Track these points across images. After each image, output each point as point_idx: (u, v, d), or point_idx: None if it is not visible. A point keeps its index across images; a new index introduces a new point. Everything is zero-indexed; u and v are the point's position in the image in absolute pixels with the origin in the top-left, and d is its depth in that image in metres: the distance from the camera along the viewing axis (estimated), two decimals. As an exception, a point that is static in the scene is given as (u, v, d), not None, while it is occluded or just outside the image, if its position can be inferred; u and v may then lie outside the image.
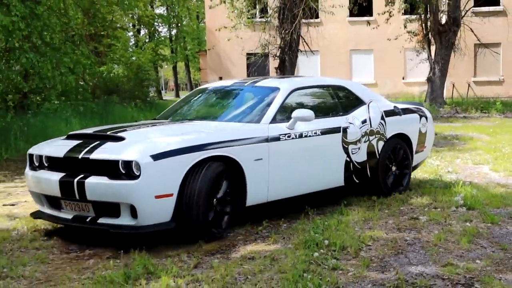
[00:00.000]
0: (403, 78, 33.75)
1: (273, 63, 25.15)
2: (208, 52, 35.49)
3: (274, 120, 6.63)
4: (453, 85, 30.50)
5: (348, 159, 7.25)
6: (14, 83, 14.79)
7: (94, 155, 5.68)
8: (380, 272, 5.03)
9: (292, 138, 6.63)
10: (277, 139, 6.47)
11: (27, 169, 6.44)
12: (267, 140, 6.38)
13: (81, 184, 5.62)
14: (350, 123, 7.33)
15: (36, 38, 14.02)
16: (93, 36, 27.13)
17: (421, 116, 8.44)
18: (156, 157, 5.49)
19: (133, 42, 46.79)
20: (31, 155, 6.42)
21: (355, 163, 7.35)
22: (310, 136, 6.82)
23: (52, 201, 6.13)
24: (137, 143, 5.83)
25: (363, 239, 5.90)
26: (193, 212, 5.63)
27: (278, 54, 22.03)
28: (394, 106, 8.18)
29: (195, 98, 8.14)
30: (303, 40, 22.26)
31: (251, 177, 6.19)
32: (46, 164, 6.23)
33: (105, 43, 29.46)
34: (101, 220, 5.68)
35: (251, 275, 4.97)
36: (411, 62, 31.77)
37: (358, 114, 7.54)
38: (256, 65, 30.28)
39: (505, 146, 12.94)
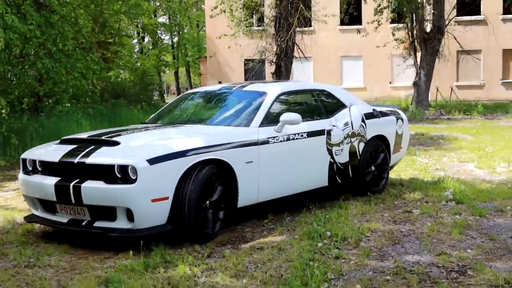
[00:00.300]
0: (390, 83, 33.79)
1: (270, 69, 25.18)
2: (208, 58, 35.51)
3: (263, 124, 6.42)
4: (437, 89, 30.58)
5: (332, 160, 7.10)
6: (30, 87, 14.81)
7: (90, 160, 5.45)
8: (379, 260, 5.11)
9: (281, 141, 6.46)
10: (266, 142, 6.30)
11: (21, 174, 6.17)
12: (257, 143, 6.20)
13: (77, 188, 5.38)
14: (334, 125, 7.18)
15: (51, 45, 14.05)
16: (101, 43, 27.19)
17: (397, 119, 8.35)
18: (152, 161, 5.28)
19: (138, 49, 46.82)
20: (24, 160, 6.15)
21: (338, 164, 7.20)
22: (297, 138, 6.65)
23: (46, 205, 5.87)
24: (133, 147, 5.66)
25: (362, 231, 5.97)
26: (187, 214, 5.44)
27: (274, 60, 22.09)
28: (373, 109, 8.07)
29: (184, 102, 7.89)
30: (297, 47, 22.33)
31: (242, 179, 6.01)
32: (40, 169, 5.95)
33: (112, 50, 29.55)
34: (97, 224, 5.45)
35: (261, 264, 5.04)
36: (398, 68, 31.85)
37: (341, 117, 7.40)
38: (253, 71, 30.39)
39: (487, 145, 13.01)
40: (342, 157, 7.25)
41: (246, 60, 31.28)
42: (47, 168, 5.86)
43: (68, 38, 15.41)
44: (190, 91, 8.25)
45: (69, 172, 5.58)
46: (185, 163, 5.47)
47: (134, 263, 4.92)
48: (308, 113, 7.17)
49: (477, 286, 4.43)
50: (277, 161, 6.44)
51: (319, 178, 7.05)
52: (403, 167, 10.09)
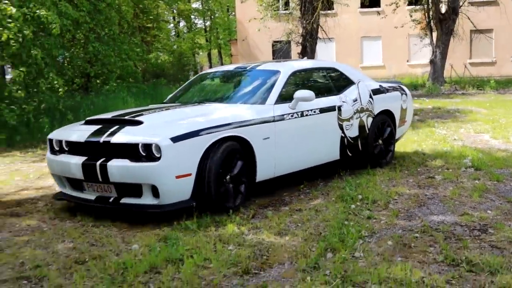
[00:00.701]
0: (407, 61, 33.41)
1: (296, 49, 25.15)
2: (239, 41, 35.47)
3: (277, 101, 6.22)
4: (452, 66, 30.13)
5: (342, 134, 6.92)
6: (81, 69, 15.03)
7: (115, 139, 5.27)
8: (407, 220, 5.19)
9: (295, 117, 6.25)
10: (281, 118, 6.09)
11: (48, 153, 5.99)
12: (273, 120, 5.99)
13: (103, 167, 5.21)
14: (344, 101, 6.99)
15: (100, 30, 14.22)
16: (141, 28, 27.33)
17: (402, 94, 8.13)
18: (175, 139, 5.10)
19: (175, 32, 46.90)
20: (51, 140, 5.96)
21: (349, 138, 7.02)
22: (310, 115, 6.44)
23: (74, 183, 5.71)
24: (156, 126, 5.45)
25: (390, 194, 6.05)
26: (209, 189, 5.28)
27: (300, 41, 22.07)
28: (380, 85, 7.86)
29: (201, 82, 7.64)
30: (321, 29, 22.24)
31: (260, 155, 5.82)
32: (66, 149, 5.76)
33: (152, 34, 29.69)
34: (124, 200, 5.29)
35: (300, 223, 5.16)
36: (415, 47, 31.53)
37: (350, 93, 7.19)
38: (281, 51, 30.35)
39: (501, 117, 12.90)
40: (352, 132, 7.08)
41: (274, 41, 31.31)
42: (74, 147, 5.68)
43: (114, 23, 15.57)
44: (206, 71, 8.00)
45: (95, 151, 5.41)
46: (206, 141, 5.30)
47: (188, 222, 5.07)
48: (319, 90, 6.94)
49: (498, 242, 4.50)
50: (292, 137, 6.26)
51: (331, 152, 6.88)
52: (423, 137, 10.10)
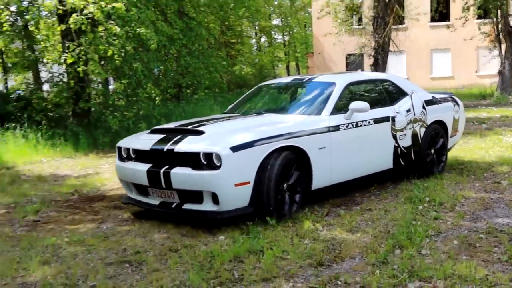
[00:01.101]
0: (476, 72, 32.19)
1: (368, 62, 24.80)
2: (315, 54, 35.39)
3: (333, 112, 5.96)
4: (520, 76, 28.74)
5: (396, 144, 6.61)
6: (174, 80, 15.53)
7: (178, 148, 5.14)
8: (473, 222, 5.06)
9: (350, 127, 5.99)
10: (337, 128, 5.84)
11: (117, 160, 5.97)
12: (329, 130, 5.75)
13: (167, 174, 5.11)
14: (397, 112, 6.67)
15: (191, 45, 14.66)
16: (227, 43, 27.85)
17: (454, 105, 7.71)
18: (235, 148, 4.94)
19: (256, 47, 47.41)
20: (119, 148, 5.92)
21: (402, 148, 6.70)
22: (365, 125, 6.17)
23: (140, 188, 5.64)
24: (216, 136, 5.28)
25: (456, 197, 5.91)
26: (267, 197, 5.08)
27: (372, 54, 21.73)
28: (432, 96, 7.47)
29: (259, 94, 7.33)
30: (392, 42, 21.83)
31: (316, 164, 5.57)
32: (133, 156, 5.71)
33: (236, 48, 30.17)
34: (186, 206, 5.16)
35: (370, 222, 5.15)
36: (483, 58, 30.24)
37: (403, 104, 6.86)
38: (354, 64, 30.05)
39: None
40: (405, 141, 6.76)
41: (348, 54, 31.06)
42: (140, 155, 5.60)
43: (203, 39, 15.99)
44: (264, 83, 7.75)
45: (159, 159, 5.30)
46: (264, 150, 5.12)
47: (268, 218, 5.14)
48: (374, 101, 6.59)
49: None
50: (347, 146, 5.99)
51: (384, 161, 6.58)
52: (491, 144, 9.74)
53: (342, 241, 4.59)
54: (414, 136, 6.91)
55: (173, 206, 5.24)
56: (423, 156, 7.04)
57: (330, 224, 5.09)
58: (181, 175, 5.05)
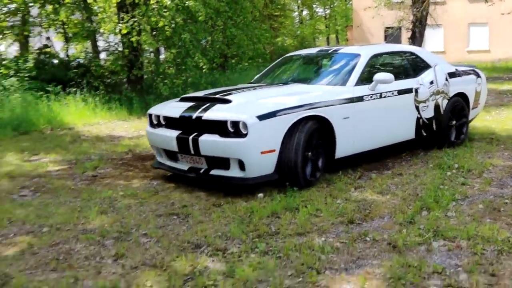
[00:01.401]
0: (512, 46, 30.97)
1: (406, 35, 24.17)
2: (354, 27, 34.66)
3: (358, 83, 5.74)
4: (557, 51, 27.53)
5: (418, 115, 6.38)
6: (220, 50, 15.54)
7: (206, 116, 5.02)
8: (499, 188, 5.00)
9: (374, 98, 5.77)
10: (361, 99, 5.62)
11: (148, 127, 5.85)
12: (353, 100, 5.54)
13: (195, 141, 5.01)
14: (421, 84, 6.42)
15: (236, 18, 14.58)
16: (270, 16, 27.58)
17: (476, 77, 7.40)
18: (261, 117, 4.79)
19: (298, 20, 46.77)
20: (150, 115, 5.82)
21: (424, 119, 6.46)
22: (388, 96, 5.94)
23: (170, 154, 5.55)
24: (244, 105, 5.15)
25: (484, 165, 5.82)
26: (292, 164, 4.93)
27: (410, 28, 21.17)
28: (456, 69, 7.15)
29: (286, 64, 7.08)
30: (430, 16, 21.17)
31: (340, 134, 5.39)
32: (163, 123, 5.60)
33: (279, 21, 29.84)
34: (213, 172, 5.06)
35: (400, 185, 5.15)
36: (521, 32, 29.09)
37: (426, 76, 6.61)
38: (392, 37, 29.30)
39: None
40: (428, 113, 6.51)
41: (386, 27, 30.26)
42: (170, 122, 5.50)
43: (248, 12, 15.85)
44: (290, 54, 7.45)
45: (188, 126, 5.20)
46: (290, 119, 4.96)
47: (288, 185, 5.05)
48: (398, 72, 6.33)
49: None
50: (371, 117, 5.77)
51: (407, 132, 6.36)
52: (522, 116, 9.47)
53: (372, 202, 4.63)
54: (436, 107, 6.68)
55: (201, 171, 5.15)
56: (445, 128, 6.80)
57: (361, 187, 5.13)
58: (209, 142, 4.93)
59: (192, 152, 5.10)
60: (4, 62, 11.57)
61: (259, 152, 4.83)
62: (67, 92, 11.31)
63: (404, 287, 3.02)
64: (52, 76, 12.29)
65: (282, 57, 7.42)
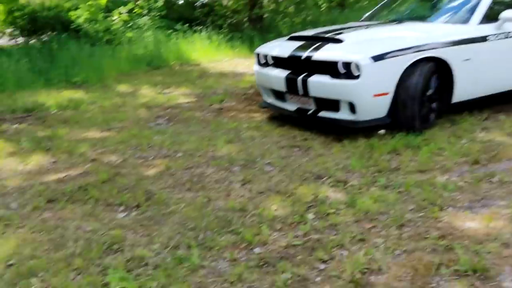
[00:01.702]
0: None
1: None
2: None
3: (482, 21, 5.05)
4: None
5: None
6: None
7: (316, 56, 4.75)
8: None
9: (500, 38, 5.07)
10: (484, 39, 4.97)
11: (255, 66, 5.69)
12: (475, 40, 4.92)
13: (304, 82, 4.78)
14: None
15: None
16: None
17: None
18: (375, 58, 4.43)
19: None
20: (257, 54, 5.64)
21: None
22: None
23: (277, 94, 5.37)
24: (356, 45, 4.79)
25: None
26: (407, 108, 4.58)
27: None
28: None
29: (399, 0, 6.45)
30: None
31: (459, 77, 4.85)
32: (271, 62, 5.39)
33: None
34: (322, 114, 4.83)
35: (532, 128, 4.80)
36: None
37: None
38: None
39: None
40: None
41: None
42: (278, 62, 5.28)
43: None
44: None
45: (297, 66, 4.96)
46: (406, 61, 4.54)
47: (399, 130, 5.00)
48: None
49: None
50: (495, 59, 5.13)
51: None
52: None
53: (500, 143, 4.37)
54: None
55: (309, 113, 4.95)
56: None
57: (487, 128, 4.84)
58: (318, 83, 4.70)
59: (301, 93, 4.89)
60: (138, 2, 12.18)
61: (371, 94, 4.50)
62: (193, 30, 11.72)
63: (532, 229, 2.88)
64: (180, 15, 12.75)
65: None
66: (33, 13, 11.57)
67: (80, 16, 10.40)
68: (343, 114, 4.68)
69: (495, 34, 5.09)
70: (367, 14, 6.56)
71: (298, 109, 5.12)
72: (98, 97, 7.06)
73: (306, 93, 4.85)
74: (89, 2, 10.36)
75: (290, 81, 4.99)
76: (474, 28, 5.04)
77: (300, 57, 4.94)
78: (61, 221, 3.25)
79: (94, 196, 3.62)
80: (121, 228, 3.11)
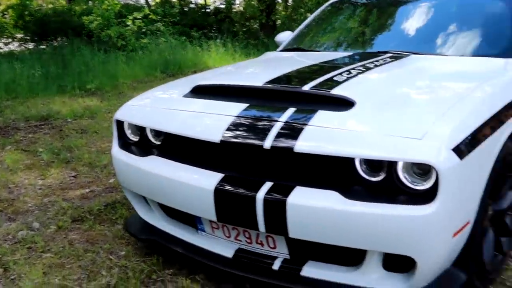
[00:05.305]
0: None
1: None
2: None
3: None
4: None
5: None
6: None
7: (308, 146, 1.93)
8: None
9: None
10: None
11: (115, 147, 2.65)
12: None
13: (276, 206, 1.97)
14: None
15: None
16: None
17: None
18: (460, 150, 1.83)
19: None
20: (121, 122, 2.62)
21: None
22: None
23: (180, 215, 2.50)
24: (398, 116, 2.00)
25: None
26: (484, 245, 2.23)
27: None
28: None
29: (375, 8, 3.83)
30: None
31: None
32: (156, 144, 2.55)
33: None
34: (309, 270, 2.11)
35: None
36: None
37: None
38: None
39: None
40: None
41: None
42: (186, 149, 2.39)
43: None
44: None
45: (250, 167, 2.15)
46: (495, 148, 2.12)
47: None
48: None
49: None
50: None
51: None
52: None
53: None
54: None
55: (275, 266, 2.17)
56: None
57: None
58: (316, 212, 1.93)
59: (263, 229, 2.04)
60: (152, 8, 11.97)
61: (451, 233, 1.90)
62: (208, 37, 11.47)
63: None
64: (193, 22, 12.53)
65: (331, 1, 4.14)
66: (45, 17, 11.34)
67: (92, 21, 10.16)
68: (368, 276, 2.01)
69: None
70: (286, 40, 3.95)
71: (239, 256, 2.26)
72: (114, 105, 6.76)
73: (277, 229, 2.01)
74: (103, 6, 10.12)
75: (229, 201, 2.08)
76: None
77: (259, 146, 2.02)
78: (90, 245, 2.94)
79: (123, 215, 3.30)
80: (157, 254, 2.79)
